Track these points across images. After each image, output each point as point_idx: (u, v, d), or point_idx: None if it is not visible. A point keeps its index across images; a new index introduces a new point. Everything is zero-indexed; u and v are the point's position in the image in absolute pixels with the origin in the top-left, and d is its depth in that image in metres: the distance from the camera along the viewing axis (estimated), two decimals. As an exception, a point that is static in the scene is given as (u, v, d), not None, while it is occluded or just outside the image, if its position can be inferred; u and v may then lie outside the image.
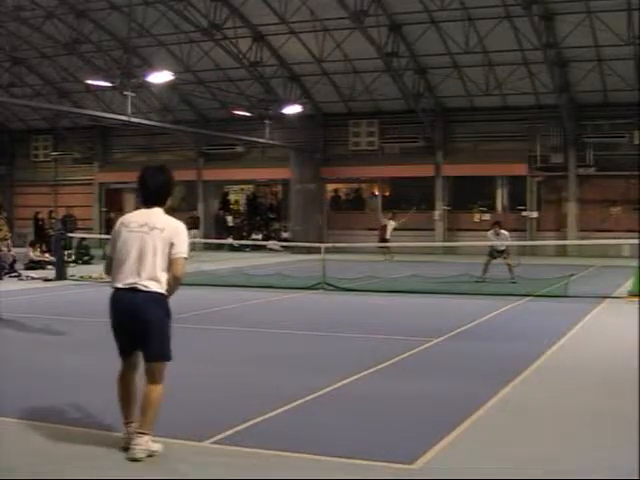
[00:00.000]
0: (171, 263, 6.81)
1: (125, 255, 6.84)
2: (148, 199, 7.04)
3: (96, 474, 6.42)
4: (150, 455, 6.73)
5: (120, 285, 6.83)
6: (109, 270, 7.07)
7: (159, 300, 6.83)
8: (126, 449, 6.78)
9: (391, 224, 33.52)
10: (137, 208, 7.24)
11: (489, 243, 22.86)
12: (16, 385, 9.34)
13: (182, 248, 6.84)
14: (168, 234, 6.82)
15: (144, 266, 6.78)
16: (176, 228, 6.90)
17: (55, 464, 6.65)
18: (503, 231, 22.84)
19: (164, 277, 6.83)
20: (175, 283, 6.88)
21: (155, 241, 6.80)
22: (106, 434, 7.35)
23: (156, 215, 6.95)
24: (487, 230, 23.57)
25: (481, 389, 9.15)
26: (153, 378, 6.84)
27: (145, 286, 6.77)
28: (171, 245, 6.80)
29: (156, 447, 6.81)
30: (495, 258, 22.49)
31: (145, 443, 6.72)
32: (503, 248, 22.54)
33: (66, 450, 7.01)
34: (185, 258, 6.87)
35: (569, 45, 32.47)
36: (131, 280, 6.79)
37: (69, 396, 8.63)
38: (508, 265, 22.32)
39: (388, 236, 32.90)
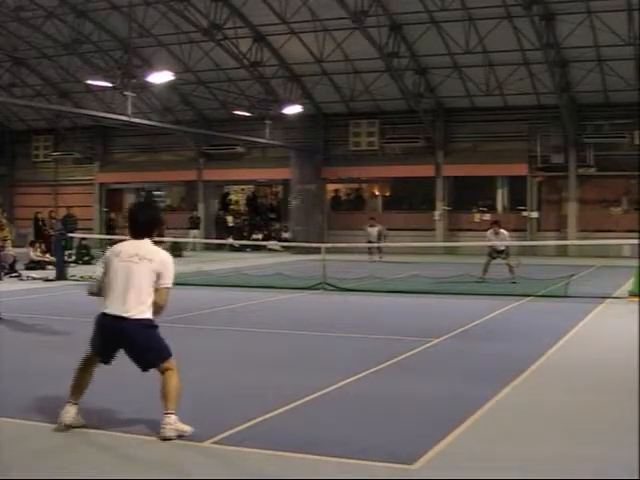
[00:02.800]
0: (156, 291, 7.42)
1: (115, 283, 7.43)
2: (138, 232, 7.62)
3: (96, 474, 6.41)
4: (181, 435, 7.17)
5: (108, 312, 7.41)
6: (93, 292, 7.71)
7: (145, 325, 7.41)
8: (58, 420, 7.41)
9: (369, 231, 33.38)
10: None
11: (489, 243, 22.84)
12: (15, 385, 9.33)
13: (168, 280, 7.48)
14: (156, 266, 7.41)
15: (132, 294, 7.35)
16: (164, 260, 7.51)
17: (55, 464, 6.65)
18: (502, 230, 22.80)
19: (150, 301, 7.41)
20: (158, 310, 7.50)
21: (142, 271, 7.38)
22: (106, 434, 7.37)
23: (145, 246, 7.53)
24: (487, 230, 23.54)
25: (481, 389, 9.15)
26: (164, 371, 7.39)
27: (132, 314, 7.33)
28: (158, 275, 7.40)
29: (186, 428, 7.26)
30: (495, 258, 22.47)
31: (174, 423, 7.20)
32: (503, 248, 22.51)
33: (66, 450, 7.01)
34: (169, 288, 7.49)
35: (569, 45, 32.48)
36: (120, 307, 7.35)
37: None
38: (508, 265, 22.30)
39: (372, 238, 32.76)
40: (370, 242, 32.35)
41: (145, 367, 7.48)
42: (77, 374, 7.59)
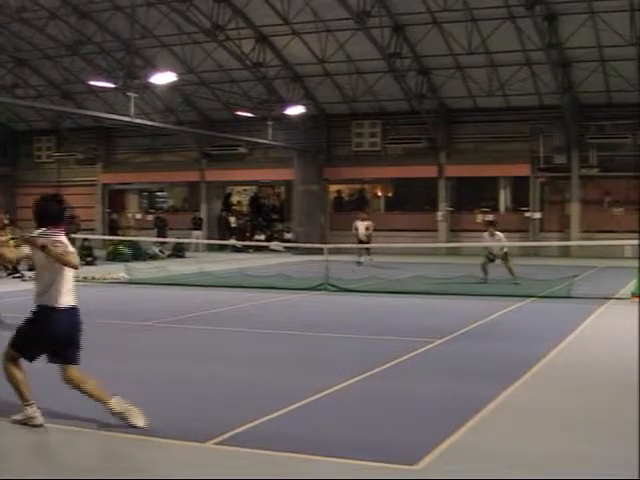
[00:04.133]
0: None
1: (68, 276, 7.73)
2: (56, 223, 7.80)
3: (98, 474, 6.41)
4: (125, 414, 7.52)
5: (64, 306, 7.69)
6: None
7: None
8: (31, 424, 7.57)
9: (357, 225, 31.50)
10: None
11: (487, 244, 22.80)
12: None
13: None
14: None
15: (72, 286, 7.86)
16: None
17: (53, 464, 6.66)
18: (498, 232, 22.75)
19: None
20: None
21: None
22: (103, 433, 7.39)
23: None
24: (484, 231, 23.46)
25: (484, 390, 9.14)
26: (79, 382, 7.74)
27: (75, 304, 7.81)
28: None
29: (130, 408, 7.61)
30: (492, 261, 22.40)
31: (119, 403, 7.61)
32: (498, 252, 22.41)
33: (65, 450, 7.01)
34: None
35: (572, 46, 32.42)
36: (72, 300, 7.76)
37: (67, 397, 8.60)
38: (509, 268, 22.20)
39: (361, 237, 31.03)
40: (360, 240, 30.67)
41: (64, 360, 7.75)
42: (15, 380, 7.72)
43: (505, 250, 22.57)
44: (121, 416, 7.53)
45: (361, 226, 31.20)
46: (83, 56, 37.79)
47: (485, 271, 22.16)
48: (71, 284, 7.76)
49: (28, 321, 7.78)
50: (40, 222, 7.80)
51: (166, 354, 11.89)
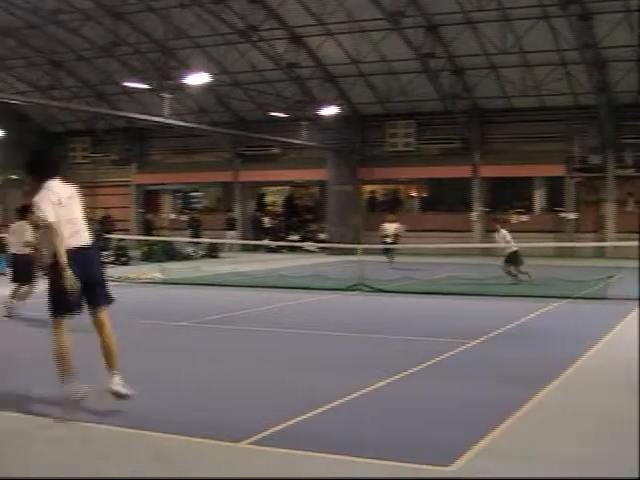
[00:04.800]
0: None
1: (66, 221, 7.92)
2: (55, 173, 8.19)
3: (128, 473, 6.44)
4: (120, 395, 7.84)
5: (80, 244, 7.94)
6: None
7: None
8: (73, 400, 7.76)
9: (385, 227, 31.04)
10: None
11: (502, 245, 22.63)
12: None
13: None
14: None
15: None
16: None
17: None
18: (503, 230, 22.59)
19: None
20: None
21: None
22: (133, 432, 7.43)
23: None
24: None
25: (519, 391, 9.09)
26: (108, 324, 7.97)
27: (85, 244, 8.07)
28: None
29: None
30: (508, 263, 22.15)
31: (121, 381, 7.81)
32: (508, 252, 22.19)
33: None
34: None
35: (607, 45, 32.13)
36: (81, 241, 7.98)
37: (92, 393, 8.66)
38: (507, 271, 21.94)
39: (388, 237, 30.60)
40: (384, 242, 30.19)
41: (94, 302, 7.92)
42: (63, 350, 7.76)
43: (512, 249, 22.36)
44: (115, 394, 7.76)
45: (390, 228, 30.96)
46: (118, 57, 38.07)
47: (510, 272, 21.98)
48: (76, 225, 7.96)
49: (48, 280, 7.89)
50: (41, 175, 8.03)
51: (199, 354, 11.94)
